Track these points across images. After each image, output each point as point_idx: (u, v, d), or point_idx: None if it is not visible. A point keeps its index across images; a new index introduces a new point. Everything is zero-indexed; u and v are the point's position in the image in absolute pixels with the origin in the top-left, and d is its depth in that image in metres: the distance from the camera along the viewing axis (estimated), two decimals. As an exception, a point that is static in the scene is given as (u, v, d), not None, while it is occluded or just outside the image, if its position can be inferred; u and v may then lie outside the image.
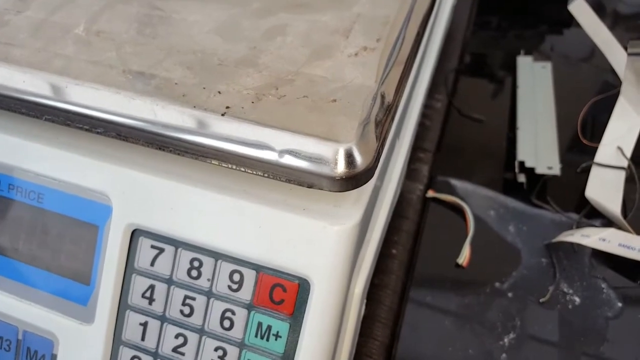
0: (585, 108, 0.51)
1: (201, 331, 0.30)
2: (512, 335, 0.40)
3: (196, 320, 0.30)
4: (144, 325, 0.30)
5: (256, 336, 0.29)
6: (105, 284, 0.31)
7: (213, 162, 0.28)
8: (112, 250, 0.30)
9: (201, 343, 0.30)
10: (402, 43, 0.32)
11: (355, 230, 0.28)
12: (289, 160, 0.26)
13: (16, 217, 0.32)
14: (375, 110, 0.28)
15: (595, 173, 0.45)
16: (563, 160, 0.48)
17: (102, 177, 0.31)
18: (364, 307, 0.33)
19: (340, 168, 0.25)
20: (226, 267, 0.29)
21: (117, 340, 0.31)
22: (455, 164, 0.51)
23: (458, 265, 0.43)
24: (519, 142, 0.50)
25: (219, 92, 0.28)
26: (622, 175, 0.44)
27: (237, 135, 0.27)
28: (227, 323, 0.29)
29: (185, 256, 0.30)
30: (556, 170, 0.48)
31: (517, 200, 0.48)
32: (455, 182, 0.49)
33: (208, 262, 0.29)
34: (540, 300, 0.41)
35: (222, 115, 0.27)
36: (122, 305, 0.31)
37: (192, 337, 0.30)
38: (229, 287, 0.29)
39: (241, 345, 0.29)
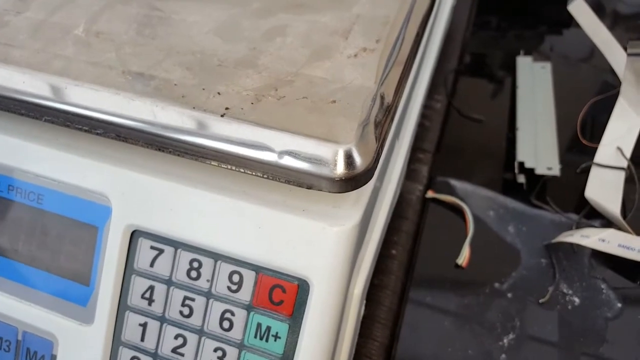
0: (585, 108, 0.51)
1: (200, 332, 0.30)
2: (511, 336, 0.40)
3: (196, 321, 0.30)
4: (144, 325, 0.30)
5: (255, 337, 0.29)
6: (105, 285, 0.31)
7: (212, 163, 0.28)
8: (111, 251, 0.30)
9: (200, 344, 0.30)
10: (402, 44, 0.32)
11: (355, 231, 0.28)
12: (288, 161, 0.26)
13: (16, 218, 0.32)
14: (375, 111, 0.28)
15: (594, 173, 0.45)
16: (563, 160, 0.48)
17: (102, 178, 0.31)
18: (363, 307, 0.33)
19: (340, 169, 0.25)
20: (225, 268, 0.29)
21: (116, 340, 0.31)
22: (455, 164, 0.51)
23: (457, 266, 0.43)
24: (518, 143, 0.50)
25: (219, 93, 0.28)
26: (621, 175, 0.44)
27: (236, 136, 0.27)
28: (226, 324, 0.29)
29: (185, 257, 0.30)
30: (556, 170, 0.48)
31: (516, 200, 0.48)
32: (455, 183, 0.49)
33: (207, 263, 0.29)
34: (540, 300, 0.41)
35: (222, 116, 0.27)
36: (122, 306, 0.31)
37: (192, 338, 0.30)
38: (229, 288, 0.29)
39: (240, 346, 0.29)
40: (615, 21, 0.62)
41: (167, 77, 0.29)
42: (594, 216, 0.45)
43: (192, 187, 0.29)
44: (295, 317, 0.28)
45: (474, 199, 0.48)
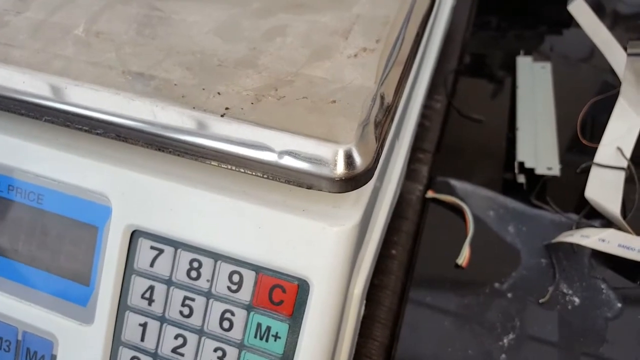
0: (585, 108, 0.51)
1: (200, 332, 0.30)
2: (511, 336, 0.40)
3: (196, 321, 0.30)
4: (144, 325, 0.30)
5: (255, 337, 0.29)
6: (105, 285, 0.31)
7: (212, 163, 0.28)
8: (111, 251, 0.30)
9: (200, 344, 0.30)
10: (402, 44, 0.32)
11: (355, 231, 0.28)
12: (288, 161, 0.26)
13: (16, 218, 0.32)
14: (375, 111, 0.28)
15: (594, 173, 0.45)
16: (563, 160, 0.48)
17: (102, 178, 0.31)
18: (363, 307, 0.33)
19: (340, 169, 0.25)
20: (225, 268, 0.29)
21: (116, 340, 0.31)
22: (455, 164, 0.51)
23: (457, 266, 0.43)
24: (518, 143, 0.50)
25: (219, 93, 0.28)
26: (621, 175, 0.44)
27: (236, 136, 0.27)
28: (226, 324, 0.29)
29: (185, 257, 0.30)
30: (556, 170, 0.48)
31: (516, 200, 0.48)
32: (455, 183, 0.49)
33: (207, 263, 0.29)
34: (540, 300, 0.41)
35: (222, 116, 0.27)
36: (122, 306, 0.31)
37: (192, 338, 0.30)
38: (229, 288, 0.29)
39: (240, 346, 0.29)
40: (615, 21, 0.62)
41: (167, 77, 0.29)
42: (594, 216, 0.45)
43: (192, 187, 0.29)
44: (295, 317, 0.28)
45: (474, 199, 0.48)
